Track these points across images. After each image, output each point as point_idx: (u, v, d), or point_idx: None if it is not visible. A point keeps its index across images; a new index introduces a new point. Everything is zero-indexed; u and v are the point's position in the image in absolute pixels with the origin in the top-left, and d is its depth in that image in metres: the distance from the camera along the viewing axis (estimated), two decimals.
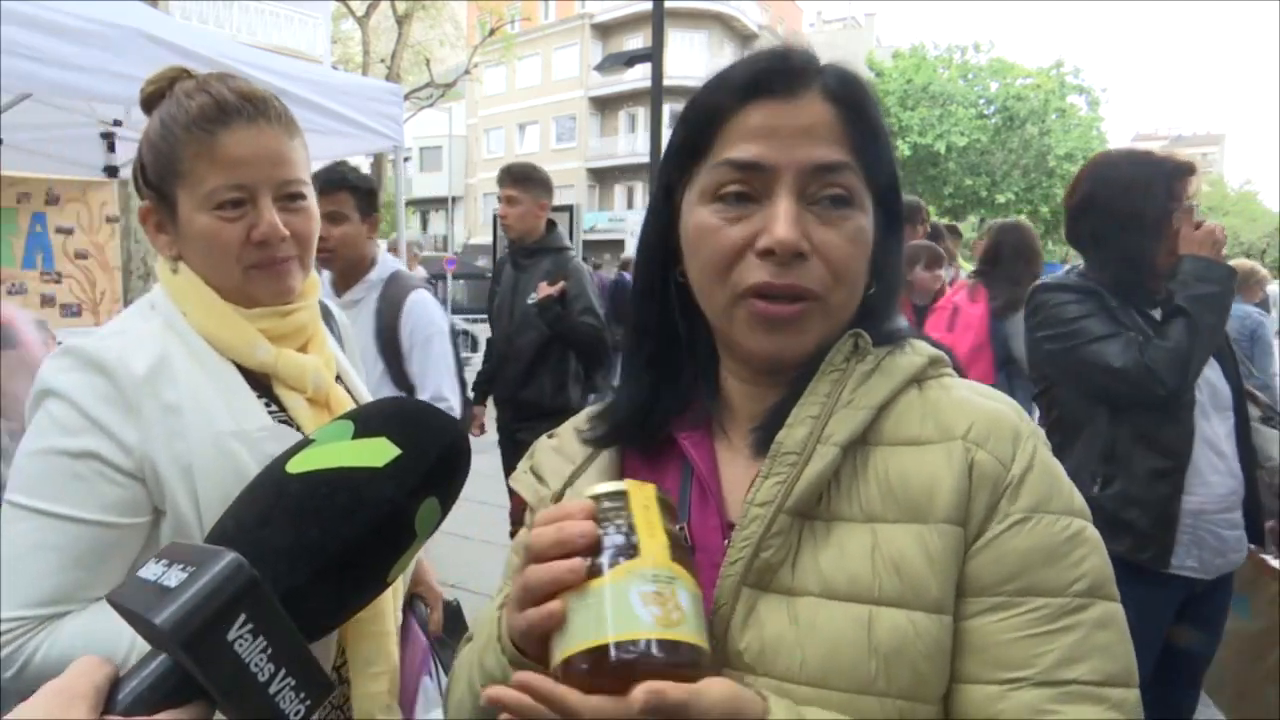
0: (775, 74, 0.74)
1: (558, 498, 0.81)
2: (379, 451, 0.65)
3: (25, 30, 2.81)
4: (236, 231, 1.12)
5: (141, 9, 3.48)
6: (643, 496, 0.65)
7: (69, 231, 6.68)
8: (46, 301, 6.57)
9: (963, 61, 27.76)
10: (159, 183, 1.15)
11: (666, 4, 7.63)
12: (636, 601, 0.58)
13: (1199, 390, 2.06)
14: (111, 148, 5.10)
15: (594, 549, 0.61)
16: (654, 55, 10.98)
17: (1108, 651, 0.67)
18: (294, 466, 0.65)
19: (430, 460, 0.68)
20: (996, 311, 3.76)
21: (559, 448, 0.87)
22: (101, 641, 0.99)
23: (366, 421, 0.69)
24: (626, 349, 0.87)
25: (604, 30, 38.61)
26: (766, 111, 0.73)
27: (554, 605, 0.60)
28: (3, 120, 4.12)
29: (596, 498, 0.64)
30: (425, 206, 45.71)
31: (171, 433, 1.05)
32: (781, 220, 0.70)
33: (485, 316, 4.23)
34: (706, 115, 0.76)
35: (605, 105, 38.85)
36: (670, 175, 0.80)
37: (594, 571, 0.60)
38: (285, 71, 3.82)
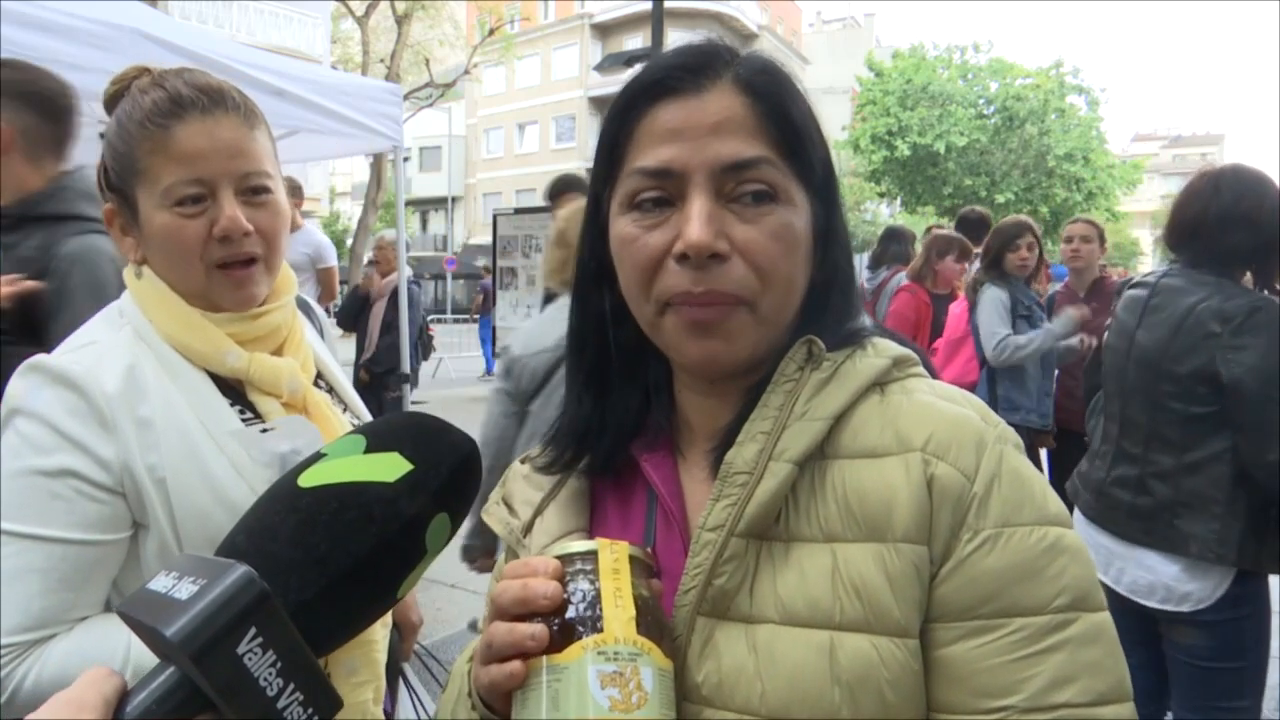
0: (681, 70, 0.71)
1: (527, 529, 0.79)
2: (391, 466, 0.65)
3: (25, 30, 2.81)
4: (197, 228, 1.08)
5: (140, 9, 3.48)
6: (612, 558, 0.63)
7: None
8: None
9: (962, 61, 27.73)
10: (120, 184, 1.12)
11: (666, 4, 7.63)
12: (594, 683, 0.57)
13: None
14: None
15: (559, 611, 0.61)
16: (653, 55, 10.98)
17: (1097, 668, 0.63)
18: (306, 480, 0.64)
19: (442, 476, 0.67)
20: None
21: (529, 475, 0.83)
22: (94, 661, 0.97)
23: (379, 436, 0.69)
24: (566, 370, 0.83)
25: (603, 30, 38.63)
26: (674, 111, 0.70)
27: (515, 666, 0.60)
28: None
29: (565, 557, 0.63)
30: (425, 206, 45.67)
31: (145, 446, 1.03)
32: (694, 221, 0.67)
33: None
34: (619, 122, 0.73)
35: (605, 105, 38.47)
36: (597, 186, 0.76)
37: (556, 641, 0.59)
38: (284, 71, 3.82)
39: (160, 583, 0.52)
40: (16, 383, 1.04)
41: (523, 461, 0.86)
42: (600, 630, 0.59)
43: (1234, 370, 1.99)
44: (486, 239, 15.52)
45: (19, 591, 0.98)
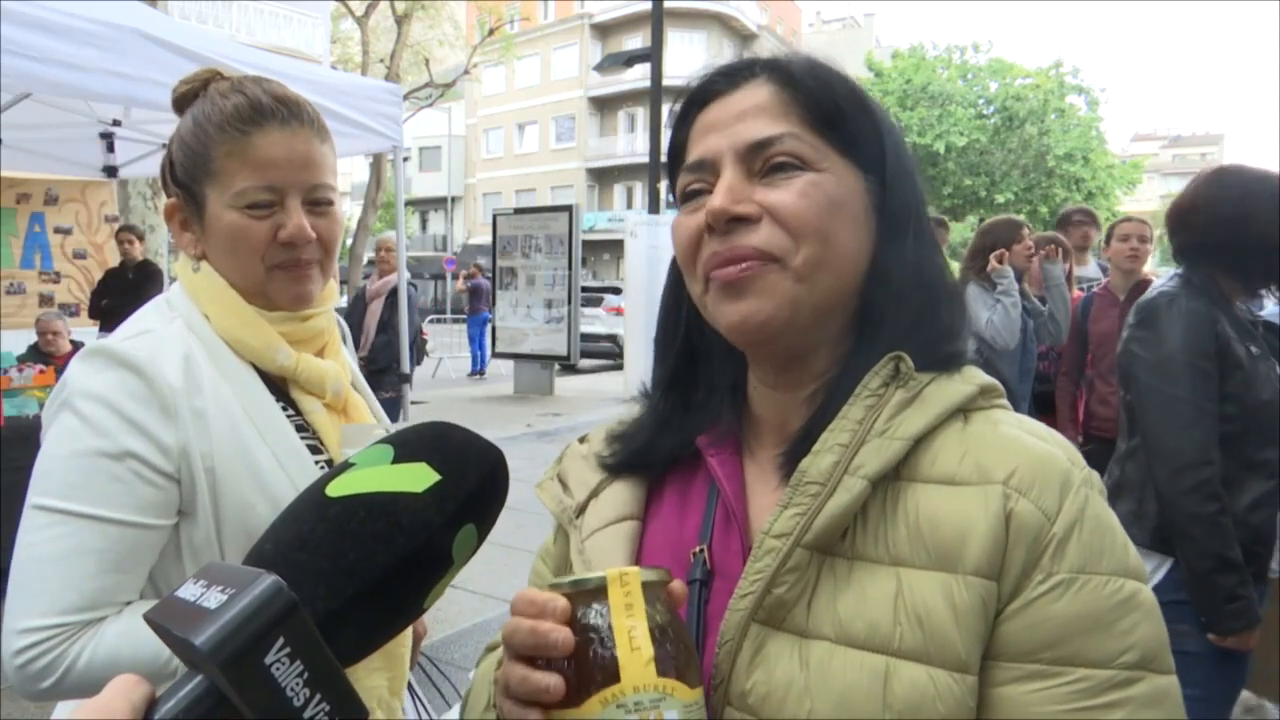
0: (717, 75, 0.76)
1: (581, 509, 0.80)
2: (419, 477, 0.65)
3: (25, 30, 2.81)
4: (263, 230, 1.13)
5: (140, 9, 3.48)
6: (624, 592, 0.60)
7: (67, 231, 6.70)
8: (45, 301, 6.58)
9: (962, 61, 27.77)
10: (188, 180, 1.16)
11: (666, 4, 7.65)
12: None
13: None
14: (110, 148, 5.09)
15: (574, 654, 0.59)
16: (653, 55, 11.00)
17: None
18: (334, 489, 0.64)
19: (470, 486, 0.67)
20: None
21: (588, 456, 0.84)
22: (146, 644, 0.99)
23: (407, 446, 0.68)
24: (653, 369, 0.86)
25: (603, 30, 38.63)
26: (712, 110, 0.75)
27: (533, 716, 0.59)
28: (2, 120, 4.13)
29: (573, 596, 0.61)
30: (424, 206, 45.68)
31: (199, 435, 1.06)
32: (716, 193, 0.71)
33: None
34: (676, 129, 0.79)
35: (604, 105, 38.86)
36: (675, 194, 0.80)
37: (573, 687, 0.58)
38: (284, 71, 3.82)
39: (188, 591, 0.52)
40: (77, 366, 1.07)
41: (582, 441, 0.87)
42: (617, 679, 0.57)
43: (1126, 360, 2.12)
44: (486, 239, 15.52)
45: (74, 571, 1.00)
